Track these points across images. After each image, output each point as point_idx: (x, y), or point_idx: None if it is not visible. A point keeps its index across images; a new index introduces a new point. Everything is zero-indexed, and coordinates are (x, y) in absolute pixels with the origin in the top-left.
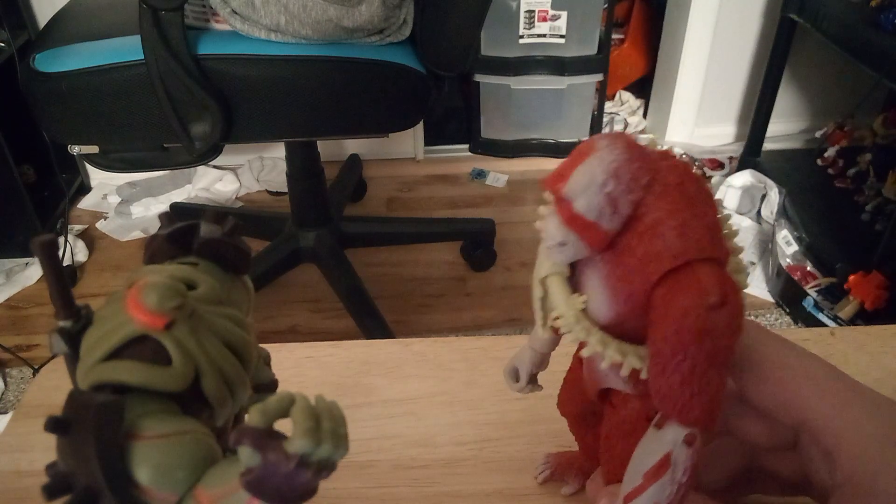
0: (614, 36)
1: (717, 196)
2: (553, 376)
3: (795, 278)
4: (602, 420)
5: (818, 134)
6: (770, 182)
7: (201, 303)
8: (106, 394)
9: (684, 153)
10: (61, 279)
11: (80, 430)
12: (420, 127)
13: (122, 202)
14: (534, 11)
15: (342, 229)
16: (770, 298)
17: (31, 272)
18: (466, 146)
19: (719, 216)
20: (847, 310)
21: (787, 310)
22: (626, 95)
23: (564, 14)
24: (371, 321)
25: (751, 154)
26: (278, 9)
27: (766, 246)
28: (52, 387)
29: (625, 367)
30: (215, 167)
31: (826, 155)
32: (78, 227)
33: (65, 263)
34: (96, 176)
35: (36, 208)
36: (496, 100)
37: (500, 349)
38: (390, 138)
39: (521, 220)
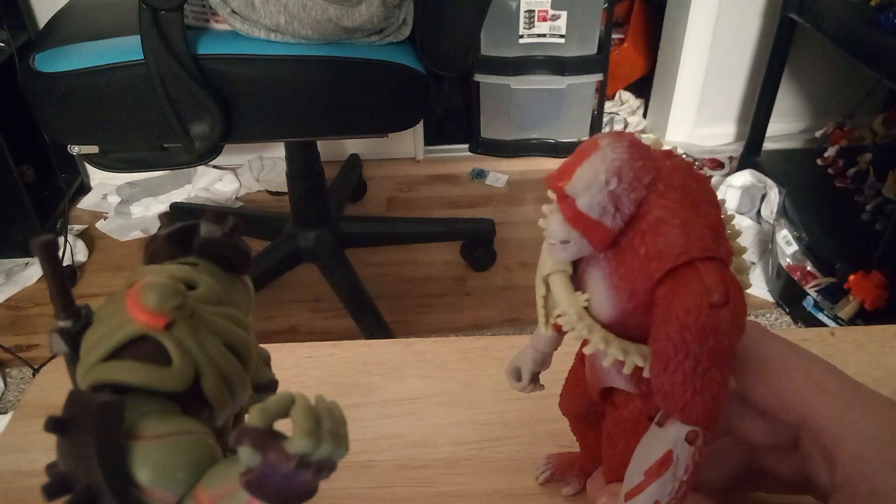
0: (614, 36)
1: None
2: (554, 376)
3: (795, 278)
4: (603, 420)
5: (818, 134)
6: (770, 182)
7: (201, 303)
8: (106, 394)
9: (684, 153)
10: (61, 279)
11: (80, 430)
12: (420, 127)
13: (122, 202)
14: (534, 11)
15: (342, 229)
16: (770, 298)
17: (31, 272)
18: (466, 146)
19: (723, 216)
20: (847, 310)
21: (787, 310)
22: (626, 95)
23: (564, 14)
24: (371, 321)
25: (751, 154)
26: (278, 9)
27: (766, 246)
28: (52, 387)
29: (627, 365)
30: (215, 167)
31: (826, 155)
32: (78, 227)
33: (65, 263)
34: (96, 176)
35: (36, 208)
36: (496, 100)
37: (500, 349)
38: (390, 138)
39: (521, 220)
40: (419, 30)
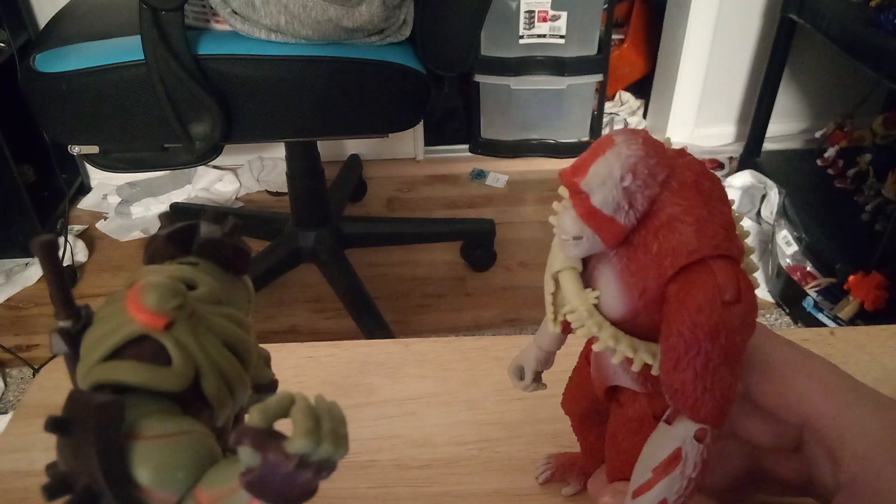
0: (614, 36)
1: None
2: (556, 376)
3: (795, 278)
4: (606, 420)
5: (818, 134)
6: (770, 182)
7: (201, 303)
8: (106, 394)
9: None
10: (61, 279)
11: (80, 430)
12: (420, 127)
13: (122, 202)
14: (534, 12)
15: (342, 229)
16: (770, 298)
17: (31, 272)
18: (466, 146)
19: (734, 215)
20: (847, 310)
21: (787, 310)
22: (626, 96)
23: (564, 14)
24: (371, 321)
25: (751, 154)
26: (278, 9)
27: (766, 246)
28: (52, 387)
29: (636, 363)
30: (215, 167)
31: (826, 155)
32: (78, 228)
33: (65, 263)
34: (96, 176)
35: (36, 208)
36: (496, 100)
37: (500, 349)
38: (390, 138)
39: (521, 220)
40: (419, 30)
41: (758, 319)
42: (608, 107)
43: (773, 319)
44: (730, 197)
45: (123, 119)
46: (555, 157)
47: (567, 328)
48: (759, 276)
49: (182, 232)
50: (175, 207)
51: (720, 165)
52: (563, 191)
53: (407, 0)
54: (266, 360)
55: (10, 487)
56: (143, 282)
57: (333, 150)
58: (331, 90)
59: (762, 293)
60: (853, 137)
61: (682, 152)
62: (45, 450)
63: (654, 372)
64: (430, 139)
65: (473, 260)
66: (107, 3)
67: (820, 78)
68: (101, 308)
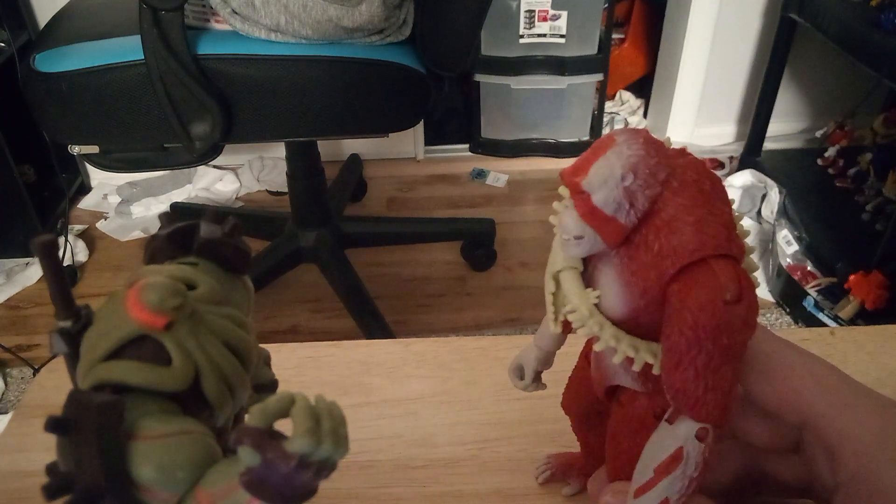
0: (614, 36)
1: None
2: (556, 376)
3: (796, 278)
4: (606, 420)
5: (818, 134)
6: (770, 182)
7: (201, 303)
8: (106, 394)
9: None
10: (61, 279)
11: (81, 430)
12: (420, 127)
13: (123, 202)
14: (534, 11)
15: (342, 229)
16: (770, 298)
17: (31, 272)
18: (466, 146)
19: (734, 215)
20: (847, 310)
21: (788, 310)
22: (627, 95)
23: (564, 14)
24: (371, 321)
25: (751, 154)
26: (278, 9)
27: (767, 246)
28: (52, 387)
29: (637, 362)
30: (215, 167)
31: (826, 155)
32: (78, 227)
33: (65, 263)
34: (96, 176)
35: (36, 208)
36: (496, 100)
37: (500, 349)
38: (390, 138)
39: (521, 220)
40: (419, 30)
41: (758, 319)
42: (608, 106)
43: (774, 319)
44: (730, 196)
45: (123, 119)
46: (555, 157)
47: (568, 328)
48: (759, 275)
49: (182, 232)
50: (175, 207)
51: (721, 165)
52: (563, 190)
53: (407, 0)
54: (266, 360)
55: (10, 487)
56: (143, 282)
57: (333, 150)
58: (331, 90)
59: (762, 293)
60: (854, 137)
61: (683, 152)
62: (45, 450)
63: (656, 371)
64: (431, 139)
65: (474, 260)
66: (107, 3)
67: (820, 77)
68: (101, 308)
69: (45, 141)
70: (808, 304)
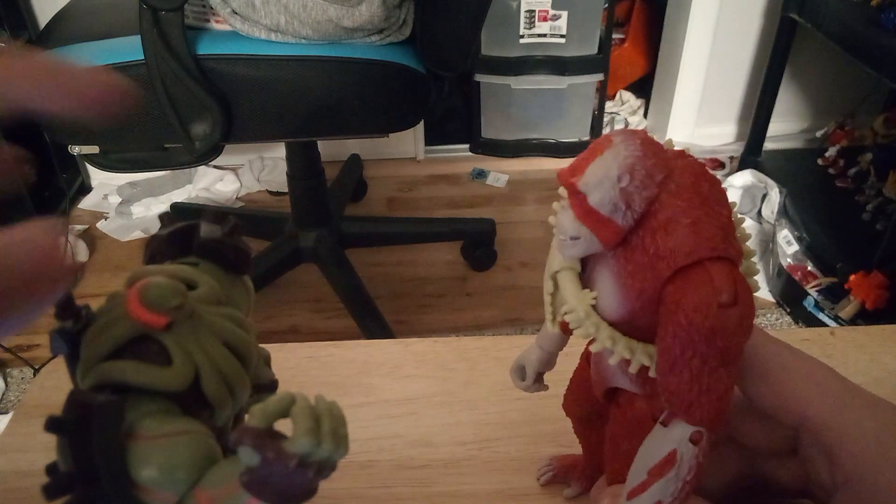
0: (615, 36)
1: None
2: (557, 376)
3: (796, 278)
4: (607, 421)
5: (819, 134)
6: (771, 182)
7: (201, 303)
8: (106, 394)
9: None
10: None
11: (81, 431)
12: (420, 127)
13: (123, 202)
14: (534, 11)
15: (342, 229)
16: (770, 298)
17: None
18: (467, 146)
19: (734, 218)
20: (847, 310)
21: (788, 310)
22: (627, 95)
23: (565, 14)
24: (371, 321)
25: (751, 154)
26: (278, 9)
27: (767, 246)
28: (53, 387)
29: (633, 364)
30: (216, 167)
31: (827, 155)
32: (78, 228)
33: None
34: (97, 176)
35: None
36: (496, 100)
37: (501, 349)
38: (390, 138)
39: (521, 220)
40: (419, 30)
41: (758, 319)
42: (609, 106)
43: (774, 319)
44: (730, 196)
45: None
46: (555, 157)
47: (566, 328)
48: (759, 275)
49: (182, 232)
50: (175, 207)
51: (721, 165)
52: (563, 191)
53: (407, 0)
54: (266, 360)
55: (10, 487)
56: (143, 281)
57: (333, 150)
58: (331, 90)
59: (763, 293)
60: (854, 137)
61: (683, 154)
62: (45, 450)
63: (652, 374)
64: (431, 139)
65: (474, 260)
66: (107, 3)
67: (820, 77)
68: (101, 308)
69: (46, 141)
70: (809, 304)
